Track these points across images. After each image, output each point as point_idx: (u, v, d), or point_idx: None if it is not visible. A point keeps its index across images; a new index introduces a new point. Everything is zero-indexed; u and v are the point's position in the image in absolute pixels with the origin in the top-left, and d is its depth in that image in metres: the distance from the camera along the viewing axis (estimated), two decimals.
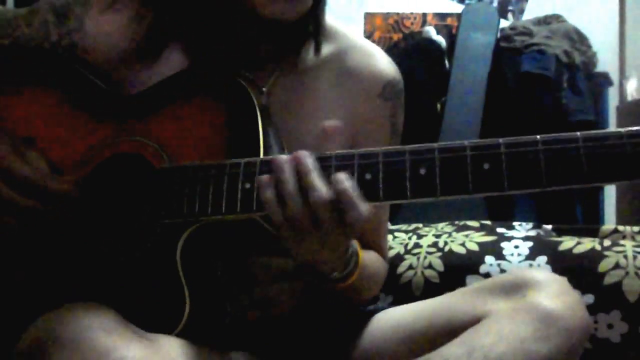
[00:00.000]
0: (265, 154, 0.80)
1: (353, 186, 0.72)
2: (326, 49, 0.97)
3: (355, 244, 0.89)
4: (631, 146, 0.68)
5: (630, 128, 0.69)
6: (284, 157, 0.75)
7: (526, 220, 1.62)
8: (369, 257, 0.98)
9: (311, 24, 0.92)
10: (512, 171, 0.71)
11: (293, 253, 0.80)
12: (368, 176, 0.75)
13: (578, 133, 0.70)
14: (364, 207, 0.73)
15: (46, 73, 0.96)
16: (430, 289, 1.30)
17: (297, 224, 0.74)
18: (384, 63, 1.01)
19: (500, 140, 0.72)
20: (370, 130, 0.99)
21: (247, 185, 0.77)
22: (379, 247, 1.05)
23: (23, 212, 0.84)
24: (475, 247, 1.35)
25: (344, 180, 0.72)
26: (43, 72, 0.96)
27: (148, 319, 0.75)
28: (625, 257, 1.25)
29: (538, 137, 0.71)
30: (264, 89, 0.93)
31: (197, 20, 0.90)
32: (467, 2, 3.41)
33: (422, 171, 0.72)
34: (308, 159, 0.74)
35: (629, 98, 3.06)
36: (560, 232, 1.49)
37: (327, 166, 0.76)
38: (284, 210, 0.73)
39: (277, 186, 0.74)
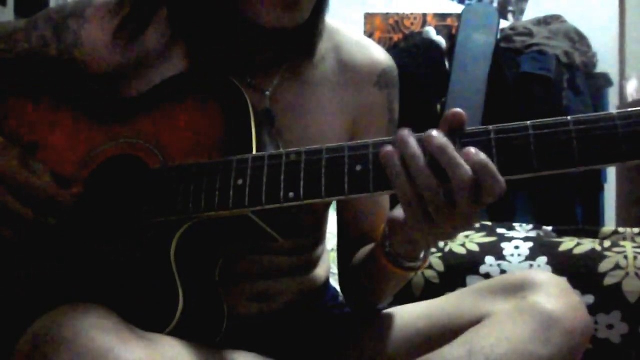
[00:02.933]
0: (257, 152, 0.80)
1: (483, 155, 0.69)
2: (323, 46, 0.98)
3: None
4: (623, 127, 0.67)
5: (621, 110, 0.69)
6: (406, 131, 0.71)
7: (526, 221, 1.62)
8: None
9: (311, 30, 0.93)
10: (502, 157, 0.71)
11: (415, 236, 0.76)
12: (358, 167, 0.75)
13: (569, 117, 0.70)
14: (503, 180, 0.69)
15: (48, 81, 0.97)
16: (430, 289, 1.31)
17: (430, 204, 0.70)
18: (377, 53, 1.03)
19: (490, 126, 0.72)
20: (368, 119, 1.01)
21: (240, 182, 0.78)
22: None
23: (26, 224, 0.85)
24: (475, 248, 1.36)
25: (480, 153, 0.69)
26: (45, 80, 0.97)
27: (142, 317, 0.75)
28: (625, 257, 1.25)
29: (528, 122, 0.71)
30: (266, 92, 0.93)
31: (197, 26, 0.91)
32: (467, 2, 3.41)
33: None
34: (441, 135, 0.70)
35: (629, 98, 3.07)
36: (560, 233, 1.49)
37: (318, 159, 0.76)
38: (413, 188, 0.70)
39: (404, 162, 0.70)
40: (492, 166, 0.69)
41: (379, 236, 0.95)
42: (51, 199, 0.86)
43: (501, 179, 0.69)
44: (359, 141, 0.77)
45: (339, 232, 1.07)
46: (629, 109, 0.68)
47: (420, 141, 0.71)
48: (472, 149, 0.69)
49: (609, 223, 2.80)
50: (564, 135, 0.69)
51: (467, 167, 0.68)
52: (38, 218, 0.86)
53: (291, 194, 0.76)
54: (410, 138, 0.71)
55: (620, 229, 1.46)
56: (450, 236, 0.77)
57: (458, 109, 0.73)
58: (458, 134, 0.72)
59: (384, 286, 0.96)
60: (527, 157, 0.70)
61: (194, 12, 0.90)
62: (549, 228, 1.51)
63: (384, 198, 1.05)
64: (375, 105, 1.01)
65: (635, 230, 1.44)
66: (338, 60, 0.99)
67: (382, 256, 0.89)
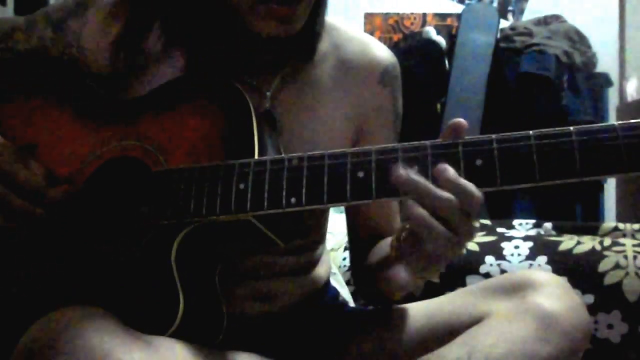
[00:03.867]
0: (260, 155, 0.80)
1: (454, 172, 0.70)
2: (323, 45, 0.98)
3: None
4: (625, 139, 0.68)
5: (623, 121, 0.69)
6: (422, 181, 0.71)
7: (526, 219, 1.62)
8: None
9: (310, 34, 0.93)
10: (505, 167, 0.71)
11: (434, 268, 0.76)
12: (361, 174, 0.75)
13: (571, 127, 0.70)
14: (478, 192, 0.70)
15: (49, 81, 0.97)
16: (430, 289, 1.30)
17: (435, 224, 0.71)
18: (379, 50, 1.02)
19: (493, 135, 0.72)
20: (374, 117, 1.00)
21: (242, 186, 0.78)
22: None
23: (19, 215, 0.86)
24: (475, 247, 1.36)
25: (452, 175, 0.70)
26: (46, 80, 0.97)
27: (143, 320, 0.75)
28: (625, 257, 1.25)
29: (531, 132, 0.71)
30: (267, 93, 0.93)
31: (194, 32, 0.91)
32: (467, 2, 3.41)
33: (415, 169, 0.73)
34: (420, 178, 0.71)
35: (629, 98, 3.07)
36: (560, 230, 1.49)
37: (320, 165, 0.76)
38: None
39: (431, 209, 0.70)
40: (470, 187, 0.70)
41: (389, 234, 0.96)
42: (39, 191, 0.86)
43: (478, 193, 0.70)
44: (361, 147, 0.77)
45: (350, 230, 1.07)
46: (632, 121, 0.68)
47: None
48: (444, 169, 0.70)
49: (609, 220, 2.80)
50: (566, 145, 0.69)
51: (451, 197, 0.70)
52: (30, 211, 0.86)
53: (293, 200, 0.76)
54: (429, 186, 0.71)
55: (621, 226, 1.45)
56: (458, 252, 0.76)
57: (461, 120, 0.74)
58: (461, 144, 0.73)
59: (400, 290, 0.94)
60: (529, 167, 0.70)
61: (192, 20, 0.90)
62: (549, 225, 1.50)
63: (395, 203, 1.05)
64: (381, 103, 1.01)
65: (636, 226, 1.44)
66: (339, 59, 0.99)
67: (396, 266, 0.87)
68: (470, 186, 0.70)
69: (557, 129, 0.71)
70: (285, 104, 0.94)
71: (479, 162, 0.71)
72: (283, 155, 0.80)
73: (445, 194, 0.70)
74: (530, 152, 0.70)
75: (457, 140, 0.73)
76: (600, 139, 0.69)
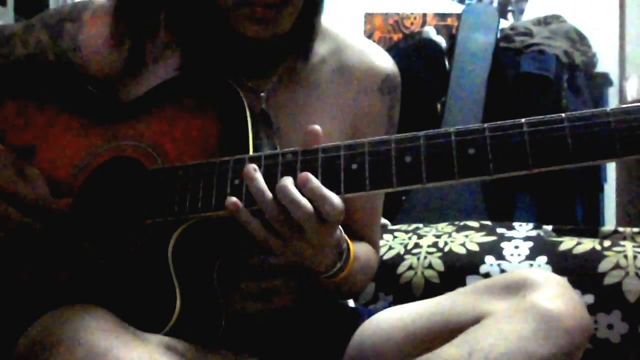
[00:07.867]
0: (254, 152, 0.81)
1: (317, 183, 0.75)
2: (322, 49, 0.98)
3: (347, 239, 0.89)
4: (617, 124, 0.68)
5: (615, 107, 0.70)
6: (252, 167, 0.77)
7: (526, 221, 1.62)
8: (360, 249, 0.98)
9: (305, 33, 0.93)
10: (498, 155, 0.71)
11: (280, 255, 0.82)
12: (354, 166, 0.76)
13: (563, 114, 0.71)
14: (336, 199, 0.74)
15: (46, 84, 0.98)
16: (430, 289, 1.30)
17: (279, 231, 0.77)
18: (381, 58, 1.03)
19: (485, 125, 0.72)
20: (368, 124, 1.01)
21: (236, 182, 0.79)
22: (370, 238, 1.06)
23: (22, 229, 0.87)
24: (475, 248, 1.35)
25: (309, 180, 0.75)
26: (43, 83, 0.98)
27: (140, 318, 0.75)
28: (626, 257, 1.25)
29: (523, 120, 0.72)
30: (262, 94, 0.94)
31: (186, 33, 0.92)
32: (467, 2, 3.41)
33: (408, 159, 0.73)
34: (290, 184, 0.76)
35: (629, 98, 3.07)
36: (560, 232, 1.49)
37: (314, 159, 0.77)
38: (264, 218, 0.77)
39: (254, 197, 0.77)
40: (320, 191, 0.74)
41: (368, 239, 1.00)
42: (45, 209, 0.87)
43: (334, 200, 0.75)
44: (354, 140, 0.77)
45: None
46: (623, 106, 0.69)
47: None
48: (304, 176, 0.75)
49: (609, 223, 2.80)
50: (559, 132, 0.70)
51: (308, 206, 0.74)
52: (30, 223, 0.86)
53: None
54: (256, 174, 0.77)
55: (620, 229, 1.45)
56: (305, 254, 0.82)
57: (315, 126, 0.79)
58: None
59: (332, 287, 0.95)
60: (522, 154, 0.71)
61: (182, 21, 0.91)
62: (549, 227, 1.50)
63: (379, 196, 1.06)
64: (375, 110, 1.02)
65: (635, 229, 1.43)
66: (339, 64, 1.00)
67: None
68: (331, 195, 0.74)
69: (549, 116, 0.71)
70: (280, 105, 0.95)
71: (471, 150, 0.72)
72: (277, 150, 0.81)
73: (303, 201, 0.74)
74: (523, 139, 0.71)
75: (449, 130, 0.73)
76: (593, 124, 0.70)
